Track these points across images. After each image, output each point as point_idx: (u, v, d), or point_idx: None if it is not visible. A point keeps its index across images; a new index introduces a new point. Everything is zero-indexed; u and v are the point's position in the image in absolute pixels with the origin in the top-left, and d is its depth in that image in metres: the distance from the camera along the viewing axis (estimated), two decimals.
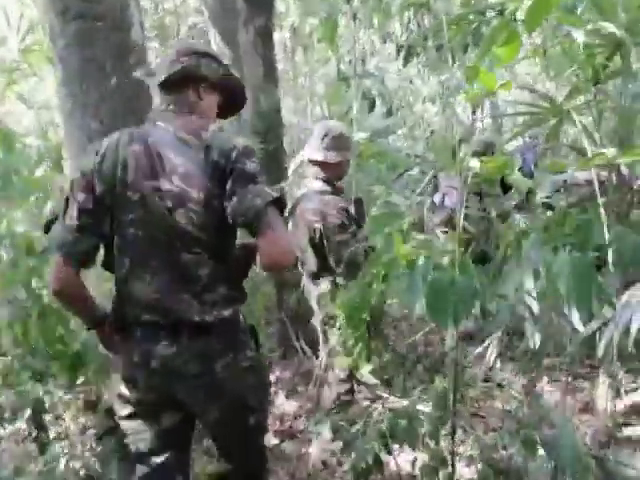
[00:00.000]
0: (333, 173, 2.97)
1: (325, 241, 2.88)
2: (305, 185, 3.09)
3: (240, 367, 1.78)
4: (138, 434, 1.82)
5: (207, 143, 1.74)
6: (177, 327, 1.72)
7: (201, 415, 1.83)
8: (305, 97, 9.00)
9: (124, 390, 1.81)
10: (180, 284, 1.73)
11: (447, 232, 4.50)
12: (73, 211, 1.75)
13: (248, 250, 1.85)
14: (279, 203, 1.70)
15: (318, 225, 2.88)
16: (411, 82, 8.33)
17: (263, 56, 3.35)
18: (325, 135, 2.92)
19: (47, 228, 1.87)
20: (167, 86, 1.82)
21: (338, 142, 2.94)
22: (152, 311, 1.74)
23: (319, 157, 2.92)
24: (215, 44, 5.21)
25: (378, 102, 5.60)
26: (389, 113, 5.84)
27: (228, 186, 1.69)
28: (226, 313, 1.75)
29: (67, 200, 1.78)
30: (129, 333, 1.79)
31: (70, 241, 1.75)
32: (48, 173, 3.06)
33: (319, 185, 2.99)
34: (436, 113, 8.71)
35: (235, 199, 1.67)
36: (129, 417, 1.83)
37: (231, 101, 1.98)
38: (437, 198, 4.88)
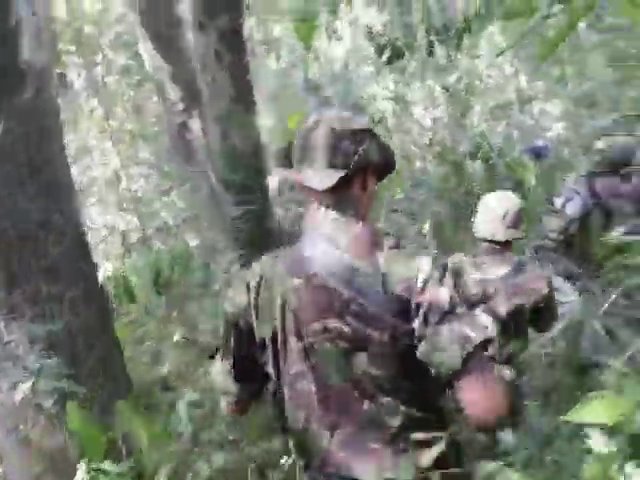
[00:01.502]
0: (507, 249, 2.89)
1: None
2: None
3: None
4: None
5: (384, 268, 1.42)
6: None
7: None
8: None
9: None
10: (367, 437, 1.48)
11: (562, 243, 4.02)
12: (229, 356, 1.60)
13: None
14: (486, 346, 1.37)
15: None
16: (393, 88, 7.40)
17: (231, 70, 2.12)
18: (507, 212, 2.81)
19: (212, 357, 1.69)
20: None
21: (518, 217, 2.85)
22: (336, 467, 1.50)
23: (502, 237, 2.83)
24: (147, 56, 4.04)
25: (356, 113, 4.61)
26: (371, 122, 4.86)
27: (415, 325, 1.40)
28: (424, 461, 1.46)
29: (224, 340, 1.60)
30: None
31: (231, 389, 1.63)
32: None
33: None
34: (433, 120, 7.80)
35: (425, 345, 1.38)
36: None
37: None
38: (558, 202, 4.26)
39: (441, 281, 1.42)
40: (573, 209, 4.16)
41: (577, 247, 4.12)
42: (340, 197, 1.47)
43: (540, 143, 6.30)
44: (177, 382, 3.83)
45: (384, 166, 1.55)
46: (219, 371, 1.65)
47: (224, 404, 1.71)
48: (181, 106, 4.08)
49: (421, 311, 1.39)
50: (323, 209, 1.49)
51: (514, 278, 2.85)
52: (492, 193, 3.04)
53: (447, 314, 1.38)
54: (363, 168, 1.48)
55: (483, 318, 1.49)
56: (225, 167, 2.02)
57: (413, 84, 8.92)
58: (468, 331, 1.36)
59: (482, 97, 9.21)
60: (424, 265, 1.43)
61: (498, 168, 5.54)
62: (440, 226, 5.09)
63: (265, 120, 5.46)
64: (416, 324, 1.40)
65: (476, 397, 1.38)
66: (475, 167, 5.74)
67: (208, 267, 4.55)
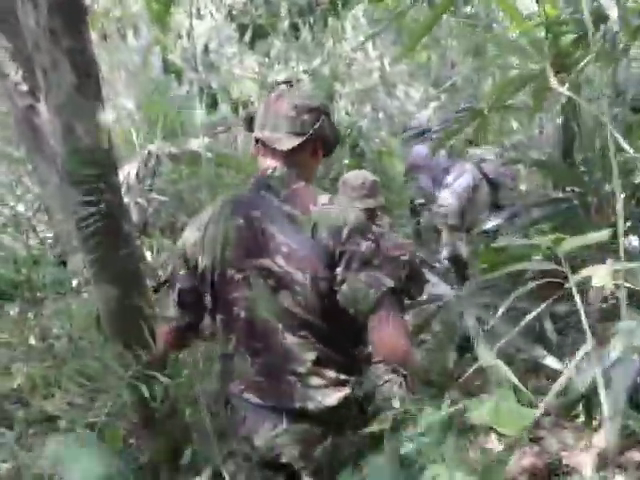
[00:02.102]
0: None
1: None
2: None
3: (342, 453, 1.64)
4: None
5: (315, 219, 1.59)
6: (279, 411, 1.65)
7: None
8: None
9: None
10: (283, 367, 1.64)
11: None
12: (175, 287, 1.79)
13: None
14: (396, 292, 1.59)
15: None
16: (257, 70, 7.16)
17: (71, 53, 1.84)
18: (363, 183, 3.03)
19: (156, 290, 2.02)
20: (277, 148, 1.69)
21: (374, 188, 3.07)
22: (254, 392, 1.68)
23: (360, 205, 2.86)
24: None
25: (220, 99, 4.38)
26: (235, 109, 4.65)
27: (338, 270, 1.56)
28: (331, 401, 1.61)
29: (172, 272, 1.81)
30: (233, 408, 1.75)
31: (172, 313, 1.81)
32: None
33: None
34: None
35: (345, 287, 1.55)
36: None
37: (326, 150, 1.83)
38: (450, 178, 4.66)
39: (364, 233, 1.60)
40: (464, 183, 4.56)
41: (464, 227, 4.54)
42: (291, 158, 1.70)
43: (415, 123, 6.18)
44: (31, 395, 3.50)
45: (332, 140, 1.80)
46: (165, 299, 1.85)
47: (159, 334, 1.97)
48: (25, 87, 3.68)
49: (344, 258, 1.56)
50: (271, 169, 1.71)
51: None
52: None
53: (367, 262, 1.57)
54: (316, 139, 1.72)
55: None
56: (69, 162, 1.78)
57: (276, 67, 8.78)
58: (383, 277, 1.56)
59: (348, 81, 9.27)
60: (351, 217, 1.60)
61: (366, 155, 5.54)
62: None
63: (125, 103, 5.10)
64: (339, 269, 1.57)
65: (384, 335, 1.55)
66: (342, 154, 5.70)
67: (64, 264, 4.18)
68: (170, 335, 1.92)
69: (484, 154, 5.03)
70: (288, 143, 1.68)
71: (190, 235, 1.77)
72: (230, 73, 5.68)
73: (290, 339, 1.63)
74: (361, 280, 1.55)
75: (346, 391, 1.64)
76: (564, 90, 2.33)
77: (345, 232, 1.57)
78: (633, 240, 2.83)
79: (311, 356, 1.62)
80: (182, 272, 1.78)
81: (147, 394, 2.11)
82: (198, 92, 4.09)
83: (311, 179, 1.79)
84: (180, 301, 1.80)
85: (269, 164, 1.72)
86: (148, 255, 5.39)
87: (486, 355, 2.56)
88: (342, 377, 1.65)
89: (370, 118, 8.59)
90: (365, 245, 1.58)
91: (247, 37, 4.02)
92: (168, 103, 4.19)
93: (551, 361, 2.53)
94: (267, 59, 8.16)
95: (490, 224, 3.22)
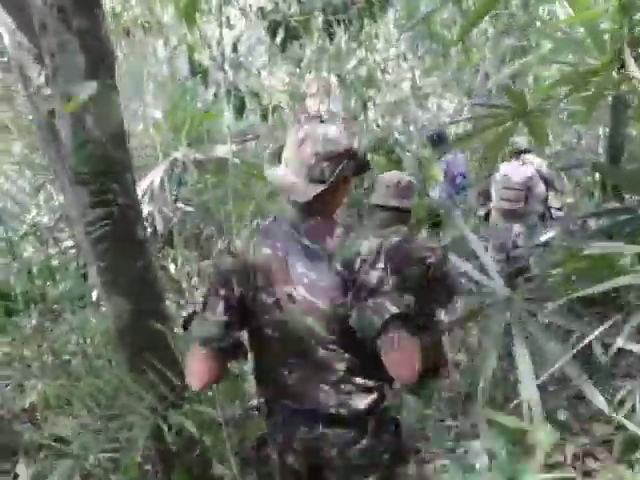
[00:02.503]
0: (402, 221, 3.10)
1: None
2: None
3: (374, 451, 1.83)
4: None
5: (330, 251, 1.73)
6: (315, 415, 1.81)
7: None
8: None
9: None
10: (317, 377, 1.79)
11: None
12: (219, 306, 1.80)
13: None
14: (401, 317, 1.66)
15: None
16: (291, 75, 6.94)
17: (81, 33, 1.59)
18: (398, 182, 3.03)
19: (186, 324, 1.88)
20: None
21: (409, 189, 3.06)
22: (292, 398, 1.83)
23: (394, 203, 3.03)
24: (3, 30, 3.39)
25: (249, 103, 4.15)
26: (264, 117, 4.41)
27: (349, 298, 1.70)
28: (362, 405, 1.78)
29: (209, 295, 1.83)
30: (272, 415, 1.91)
31: (218, 336, 1.79)
32: None
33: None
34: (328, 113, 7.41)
35: (354, 314, 1.69)
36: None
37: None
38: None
39: (373, 263, 1.69)
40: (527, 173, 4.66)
41: None
42: (310, 204, 1.74)
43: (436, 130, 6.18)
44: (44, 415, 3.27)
45: (359, 171, 1.86)
46: (202, 324, 1.82)
47: (196, 360, 1.86)
48: (47, 91, 3.46)
49: (355, 287, 1.69)
50: (293, 202, 1.77)
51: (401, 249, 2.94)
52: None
53: (374, 290, 1.67)
54: (337, 182, 1.75)
55: (406, 295, 1.73)
56: (75, 157, 1.54)
57: (308, 75, 8.55)
58: (388, 304, 1.65)
59: (380, 91, 9.03)
60: (363, 249, 1.71)
61: (405, 162, 5.28)
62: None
63: (152, 111, 4.90)
64: (350, 297, 1.70)
65: (393, 357, 1.66)
66: (379, 161, 5.45)
67: (84, 277, 3.97)
68: (212, 361, 1.83)
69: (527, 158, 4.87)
70: (305, 194, 1.72)
71: (227, 260, 1.84)
72: (259, 80, 5.45)
73: (321, 352, 1.78)
74: (367, 307, 1.67)
75: (374, 396, 1.80)
76: None
77: (357, 263, 1.70)
78: None
79: (342, 366, 1.78)
80: (226, 291, 1.82)
81: (165, 428, 1.87)
82: (225, 95, 3.85)
83: (335, 210, 1.86)
84: (228, 320, 1.80)
85: (298, 199, 1.76)
86: (171, 267, 5.20)
87: (529, 388, 2.24)
88: (370, 383, 1.80)
89: (401, 130, 8.31)
90: (373, 274, 1.69)
91: (278, 39, 3.78)
92: (194, 107, 3.95)
93: (600, 403, 2.14)
94: (298, 69, 7.95)
95: (545, 236, 2.89)
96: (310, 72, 8.51)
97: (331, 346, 1.77)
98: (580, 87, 2.39)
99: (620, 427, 2.67)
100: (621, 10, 1.98)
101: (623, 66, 2.09)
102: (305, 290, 1.74)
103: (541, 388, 2.17)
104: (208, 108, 3.94)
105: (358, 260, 1.70)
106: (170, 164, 4.30)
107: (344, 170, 1.75)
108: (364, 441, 1.82)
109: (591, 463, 2.86)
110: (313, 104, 9.61)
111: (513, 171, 4.76)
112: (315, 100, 9.48)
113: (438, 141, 5.88)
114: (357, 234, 1.77)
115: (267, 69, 7.57)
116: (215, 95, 4.01)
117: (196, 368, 1.84)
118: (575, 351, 2.14)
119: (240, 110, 4.03)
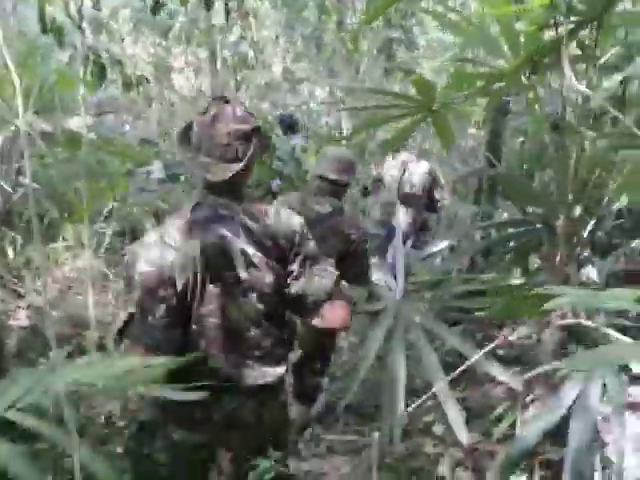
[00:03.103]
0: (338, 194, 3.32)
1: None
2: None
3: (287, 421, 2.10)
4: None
5: (270, 229, 1.85)
6: (239, 389, 1.88)
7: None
8: None
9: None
10: (246, 354, 1.87)
11: None
12: (159, 309, 1.78)
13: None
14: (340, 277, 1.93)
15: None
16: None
17: None
18: (341, 157, 3.23)
19: (122, 331, 1.86)
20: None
21: (350, 167, 3.25)
22: (218, 377, 1.83)
23: (334, 176, 3.18)
24: None
25: (110, 72, 3.66)
26: (127, 88, 3.94)
27: (294, 267, 1.86)
28: (279, 374, 1.92)
29: (144, 300, 1.78)
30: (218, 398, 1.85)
31: (160, 339, 1.79)
32: None
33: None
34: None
35: (303, 280, 1.86)
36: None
37: None
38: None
39: (307, 235, 1.90)
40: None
41: None
42: (228, 182, 1.79)
43: (296, 139, 5.75)
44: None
45: (262, 153, 1.95)
46: (142, 327, 1.81)
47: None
48: None
49: (298, 258, 1.86)
50: (216, 189, 1.82)
51: (331, 219, 3.13)
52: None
53: (315, 258, 1.88)
54: (248, 162, 1.81)
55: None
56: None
57: (176, 48, 8.03)
58: (330, 268, 1.90)
59: (252, 71, 8.71)
60: (297, 223, 1.88)
61: (278, 148, 5.00)
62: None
63: None
64: (294, 267, 1.85)
65: (334, 314, 1.89)
66: None
67: None
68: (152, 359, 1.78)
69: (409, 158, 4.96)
70: (222, 174, 1.78)
71: (161, 255, 1.79)
72: (123, 47, 4.94)
73: (253, 331, 1.87)
74: (315, 273, 1.87)
75: (285, 365, 1.95)
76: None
77: (297, 238, 1.87)
78: (591, 272, 2.48)
79: (269, 342, 1.89)
80: (164, 291, 1.78)
81: None
82: (83, 59, 3.36)
83: (245, 187, 1.96)
84: (170, 320, 1.79)
85: (203, 191, 1.85)
86: (9, 251, 4.60)
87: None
88: (285, 354, 1.97)
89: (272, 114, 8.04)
90: (311, 244, 1.89)
91: (148, 1, 3.35)
92: (45, 69, 3.42)
93: (459, 429, 2.00)
94: (165, 40, 7.42)
95: (436, 247, 2.76)
96: (180, 45, 7.99)
97: (264, 322, 1.88)
98: (486, 88, 2.22)
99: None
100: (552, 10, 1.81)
101: (534, 71, 1.97)
102: (254, 268, 1.83)
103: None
104: (62, 73, 3.43)
105: (297, 235, 1.86)
106: (13, 134, 3.74)
107: (255, 150, 1.81)
108: (280, 407, 2.00)
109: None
110: (181, 80, 9.08)
111: (414, 164, 5.05)
112: (182, 75, 8.94)
113: (288, 125, 5.77)
114: (286, 210, 1.94)
115: (132, 36, 7.00)
116: (71, 59, 3.49)
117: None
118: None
119: (100, 78, 3.55)
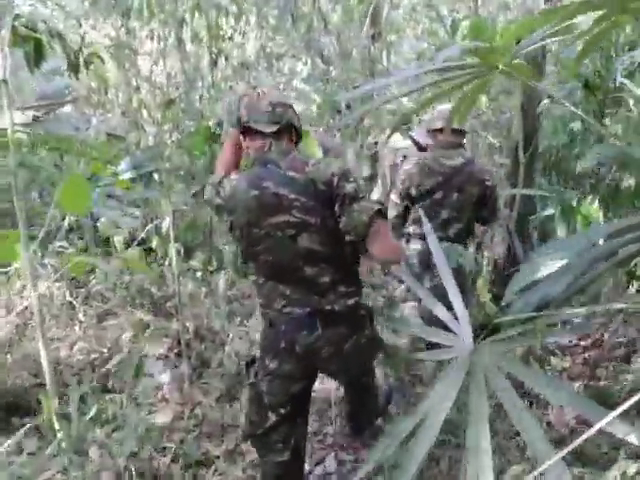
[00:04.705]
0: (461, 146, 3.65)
1: None
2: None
3: (360, 344, 2.26)
4: (273, 394, 2.33)
5: (311, 177, 2.13)
6: (312, 318, 2.19)
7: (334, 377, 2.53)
8: None
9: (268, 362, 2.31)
10: (308, 289, 2.19)
11: None
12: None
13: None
14: (380, 211, 2.10)
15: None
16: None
17: None
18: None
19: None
20: (264, 132, 2.23)
21: None
22: (290, 307, 2.22)
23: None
24: None
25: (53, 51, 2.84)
26: (74, 70, 3.11)
27: (336, 208, 2.11)
28: (347, 306, 2.21)
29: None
30: (273, 325, 2.27)
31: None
32: None
33: None
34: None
35: (344, 218, 2.09)
36: (270, 381, 2.32)
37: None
38: None
39: (347, 178, 2.12)
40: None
41: None
42: (277, 139, 2.24)
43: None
44: None
45: (297, 130, 2.35)
46: None
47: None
48: None
49: (338, 199, 2.11)
50: (267, 146, 2.23)
51: (466, 169, 3.44)
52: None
53: (354, 198, 2.09)
54: (288, 126, 2.28)
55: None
56: None
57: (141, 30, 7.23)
58: (369, 204, 2.09)
59: (224, 52, 7.86)
60: (334, 170, 2.13)
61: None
62: None
63: None
64: (337, 207, 2.11)
65: (380, 240, 2.10)
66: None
67: None
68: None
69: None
70: (271, 128, 2.21)
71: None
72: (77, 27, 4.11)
73: (309, 271, 2.18)
74: (354, 210, 2.08)
75: (356, 299, 2.25)
76: None
77: (335, 180, 2.11)
78: None
79: (327, 279, 2.18)
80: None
81: None
82: (10, 30, 2.53)
83: (294, 148, 2.32)
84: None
85: (261, 145, 2.25)
86: None
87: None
88: (350, 290, 2.23)
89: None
90: (349, 186, 2.10)
91: None
92: None
93: None
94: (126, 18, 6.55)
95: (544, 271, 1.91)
96: (141, 26, 7.15)
97: (321, 264, 2.17)
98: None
99: None
100: None
101: None
102: (299, 213, 2.11)
103: None
104: None
105: (335, 178, 2.11)
106: None
107: (291, 117, 2.26)
108: (355, 336, 2.23)
109: None
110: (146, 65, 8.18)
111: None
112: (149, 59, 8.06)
113: None
114: (325, 161, 2.19)
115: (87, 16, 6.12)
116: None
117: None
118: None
119: (37, 59, 2.73)
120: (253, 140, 2.24)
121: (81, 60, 3.05)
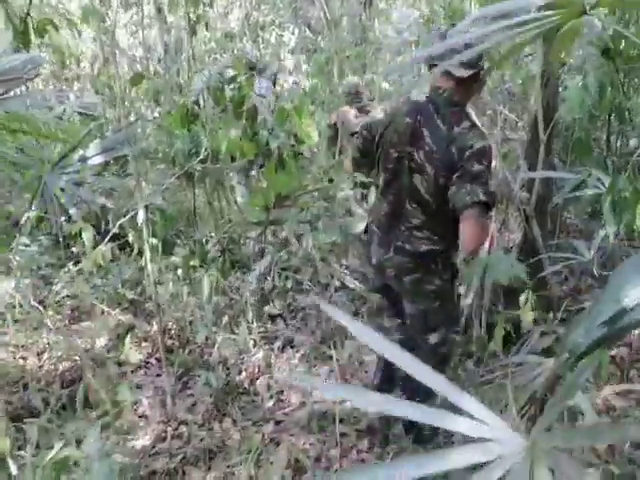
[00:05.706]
0: None
1: None
2: None
3: (425, 288, 2.52)
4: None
5: (454, 136, 2.31)
6: (389, 243, 2.53)
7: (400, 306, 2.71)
8: None
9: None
10: (398, 220, 2.51)
11: None
12: (360, 138, 2.69)
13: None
14: (486, 204, 2.24)
15: None
16: None
17: None
18: None
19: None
20: (448, 74, 2.37)
21: None
22: (381, 228, 2.59)
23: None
24: None
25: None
26: (25, 40, 2.66)
27: (455, 176, 2.27)
28: (423, 248, 2.46)
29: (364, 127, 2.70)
30: (370, 241, 2.65)
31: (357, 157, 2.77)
32: None
33: None
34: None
35: (454, 188, 2.27)
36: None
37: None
38: None
39: (479, 159, 2.25)
40: None
41: None
42: (460, 84, 2.38)
43: (263, 83, 5.01)
44: None
45: (482, 79, 2.48)
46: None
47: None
48: None
49: (461, 170, 2.26)
50: (441, 86, 2.41)
51: None
52: None
53: (474, 179, 2.23)
54: (479, 71, 2.37)
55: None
56: None
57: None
58: (480, 192, 2.21)
59: (204, 18, 7.36)
60: (477, 145, 2.26)
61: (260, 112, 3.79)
62: None
63: None
64: (455, 176, 2.28)
65: (468, 231, 2.27)
66: (208, 108, 3.91)
67: None
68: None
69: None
70: (463, 73, 2.34)
71: (379, 115, 2.73)
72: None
73: (408, 205, 2.47)
74: (465, 188, 2.22)
75: (434, 247, 2.46)
76: None
77: (467, 154, 2.26)
78: None
79: (415, 221, 2.46)
80: (366, 133, 2.64)
81: None
82: None
83: (466, 103, 2.47)
84: (362, 149, 2.69)
85: (443, 85, 2.40)
86: None
87: None
88: (434, 238, 2.46)
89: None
90: (477, 167, 2.24)
91: None
92: None
93: None
94: None
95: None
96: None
97: (416, 204, 2.44)
98: None
99: None
100: None
101: None
102: (423, 154, 2.37)
103: None
104: None
105: (469, 152, 2.25)
106: None
107: (482, 61, 2.37)
108: (417, 274, 2.50)
109: None
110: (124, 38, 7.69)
111: None
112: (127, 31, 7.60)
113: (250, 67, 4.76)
114: (474, 131, 2.31)
115: None
116: None
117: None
118: None
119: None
120: (438, 80, 2.43)
121: (30, 28, 2.61)
